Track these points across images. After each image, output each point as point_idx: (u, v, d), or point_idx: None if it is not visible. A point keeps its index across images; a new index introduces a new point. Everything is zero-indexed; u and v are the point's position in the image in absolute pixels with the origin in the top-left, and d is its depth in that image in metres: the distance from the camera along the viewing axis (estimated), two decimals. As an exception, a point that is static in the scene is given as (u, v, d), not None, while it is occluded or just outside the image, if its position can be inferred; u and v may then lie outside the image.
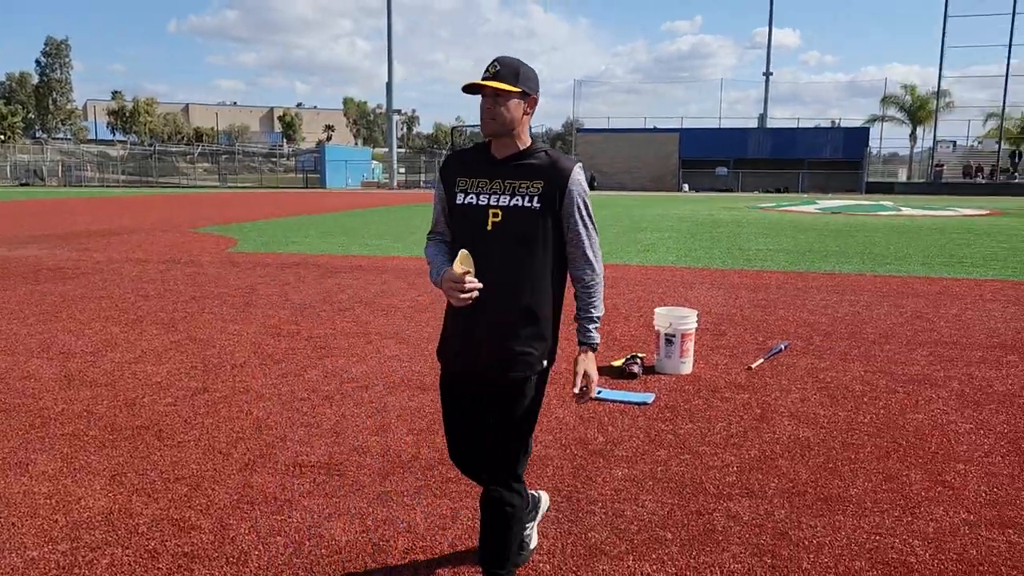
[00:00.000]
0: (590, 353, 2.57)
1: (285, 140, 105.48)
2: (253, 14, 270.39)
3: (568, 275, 2.62)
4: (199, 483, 3.73)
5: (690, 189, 53.51)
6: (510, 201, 2.48)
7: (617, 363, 5.76)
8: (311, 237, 16.29)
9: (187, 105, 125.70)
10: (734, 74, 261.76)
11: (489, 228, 2.49)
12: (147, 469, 3.88)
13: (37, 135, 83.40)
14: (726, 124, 63.40)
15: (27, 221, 21.16)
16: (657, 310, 5.89)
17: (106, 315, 7.74)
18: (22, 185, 61.53)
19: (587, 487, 3.70)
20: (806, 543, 3.18)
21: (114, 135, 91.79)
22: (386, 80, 58.21)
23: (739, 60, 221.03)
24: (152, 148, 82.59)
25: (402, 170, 64.38)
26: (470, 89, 2.43)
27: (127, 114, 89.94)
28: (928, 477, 3.84)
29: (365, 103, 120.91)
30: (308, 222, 20.84)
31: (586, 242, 2.55)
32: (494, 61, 2.44)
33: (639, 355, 5.79)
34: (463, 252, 2.41)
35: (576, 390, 2.53)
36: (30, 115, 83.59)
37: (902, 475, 3.86)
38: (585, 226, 2.54)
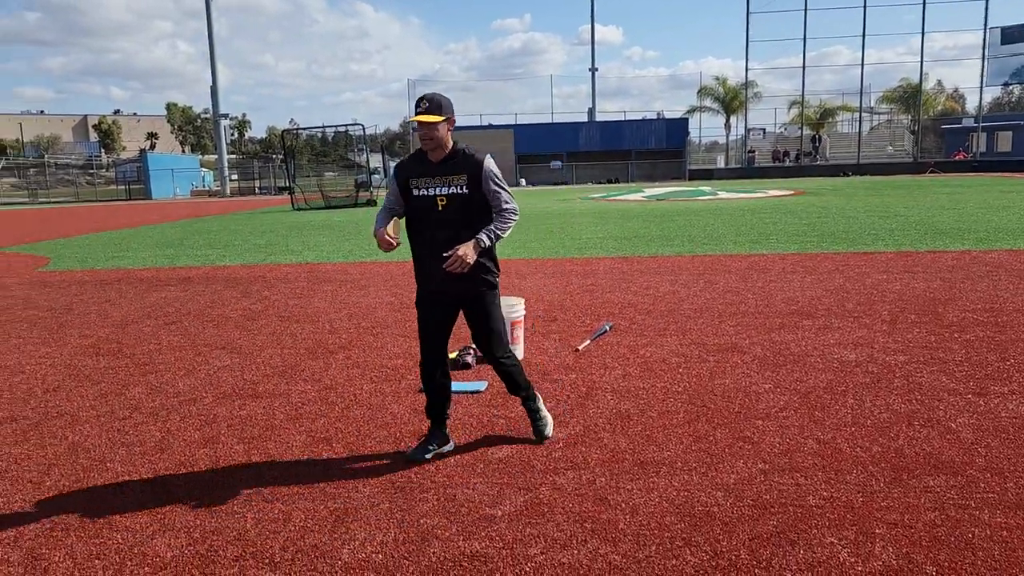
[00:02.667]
0: (471, 243, 3.70)
1: (103, 150, 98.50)
2: (58, 16, 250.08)
3: None
4: (5, 516, 3.50)
5: (527, 184, 54.76)
6: (449, 190, 3.77)
7: (452, 355, 5.88)
8: (134, 251, 15.39)
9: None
10: (564, 70, 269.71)
11: (440, 209, 3.79)
12: (-55, 508, 3.61)
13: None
14: (559, 119, 65.18)
15: None
16: (486, 301, 6.06)
17: None
18: None
19: (420, 476, 3.79)
20: (623, 505, 3.42)
21: None
22: (211, 84, 55.70)
23: (568, 56, 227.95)
24: (-56, 164, 74.66)
25: (235, 177, 61.70)
26: (413, 120, 3.65)
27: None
28: (731, 434, 4.21)
29: (191, 108, 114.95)
30: (131, 235, 19.65)
31: (500, 198, 3.82)
32: (422, 99, 3.68)
33: (472, 346, 5.94)
34: (397, 220, 3.90)
35: (446, 254, 3.70)
36: None
37: (709, 435, 4.22)
38: (498, 189, 3.81)
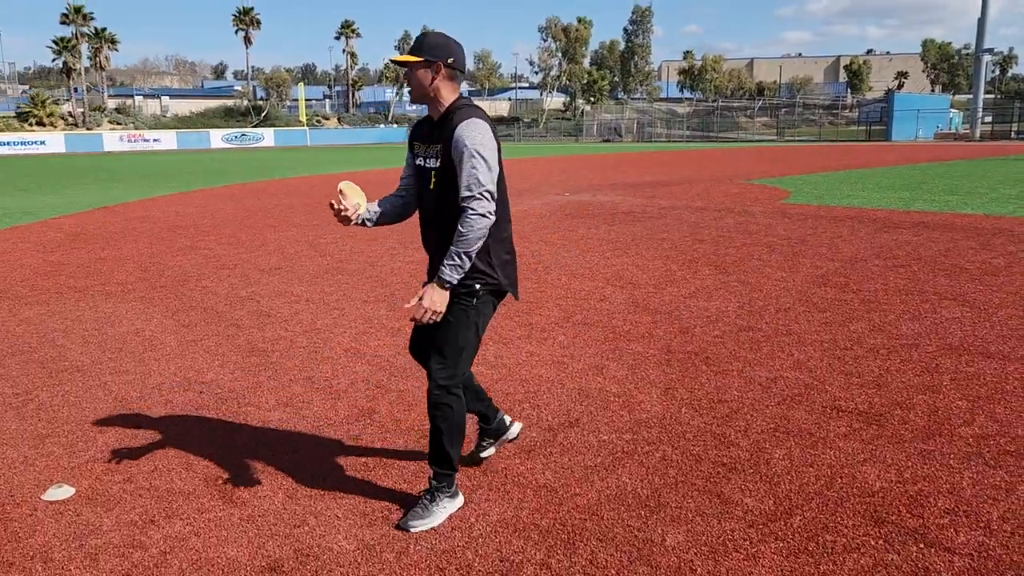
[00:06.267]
0: (435, 286, 2.78)
1: (849, 90, 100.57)
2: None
3: (501, 214, 2.86)
4: (739, 408, 4.02)
5: None
6: (435, 163, 2.86)
7: None
8: (868, 191, 15.49)
9: (751, 60, 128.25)
10: None
11: (431, 187, 2.90)
12: (695, 388, 4.33)
13: (619, 96, 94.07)
14: None
15: (607, 172, 24.31)
16: None
17: (666, 254, 8.61)
18: (604, 141, 70.55)
19: None
20: None
21: (682, 93, 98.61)
22: (978, 16, 51.11)
23: None
24: (715, 104, 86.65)
25: (987, 119, 56.24)
26: (395, 63, 2.94)
27: (695, 72, 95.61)
28: None
29: (949, 44, 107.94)
30: (867, 175, 19.81)
31: (464, 180, 2.72)
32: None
33: None
34: (346, 183, 3.02)
35: (407, 305, 2.89)
36: (615, 78, 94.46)
37: None
38: (466, 166, 2.72)
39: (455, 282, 2.78)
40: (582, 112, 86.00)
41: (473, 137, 2.72)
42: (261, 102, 79.42)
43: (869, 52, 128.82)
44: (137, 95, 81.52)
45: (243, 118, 74.79)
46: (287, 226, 11.81)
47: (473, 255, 2.75)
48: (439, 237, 2.90)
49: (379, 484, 3.26)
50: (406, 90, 3.25)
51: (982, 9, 50.46)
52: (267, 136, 68.20)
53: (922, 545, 2.71)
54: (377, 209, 3.09)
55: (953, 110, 64.21)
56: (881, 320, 5.64)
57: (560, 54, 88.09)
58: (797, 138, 63.34)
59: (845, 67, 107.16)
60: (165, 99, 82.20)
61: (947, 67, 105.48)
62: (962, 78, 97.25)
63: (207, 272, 8.14)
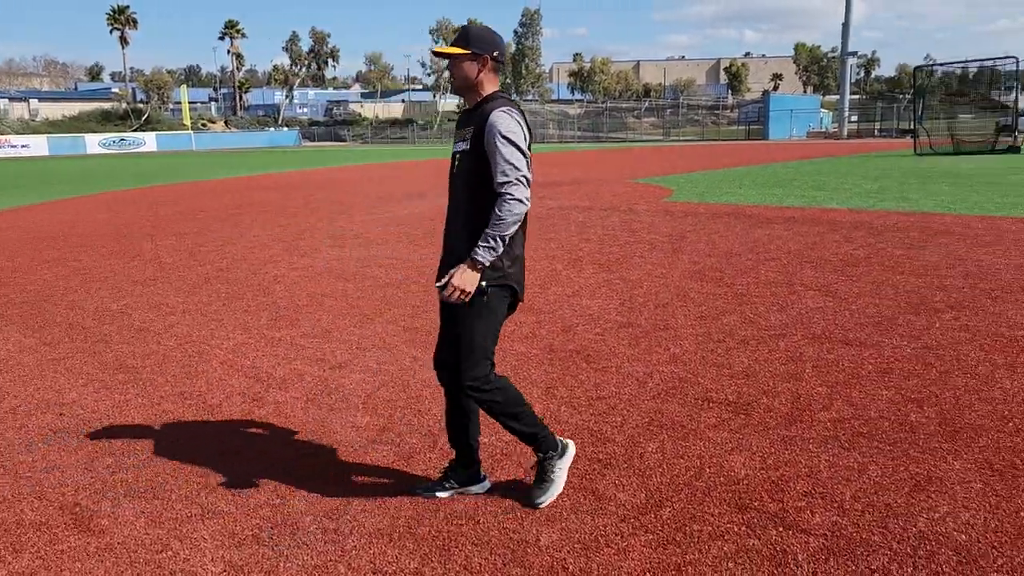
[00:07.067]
0: (465, 265, 2.80)
1: (730, 92, 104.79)
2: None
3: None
4: (616, 404, 4.11)
5: None
6: (464, 146, 2.90)
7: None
8: (745, 188, 16.16)
9: (638, 63, 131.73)
10: None
11: (455, 171, 2.97)
12: (575, 386, 4.40)
13: (512, 98, 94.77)
14: None
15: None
16: None
17: (552, 254, 8.73)
18: (499, 143, 70.78)
19: (1028, 466, 3.25)
20: None
21: (573, 95, 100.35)
22: (842, 21, 54.16)
23: None
24: (604, 105, 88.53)
25: (854, 118, 59.64)
26: (437, 55, 2.97)
27: (585, 74, 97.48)
28: None
29: (818, 48, 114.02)
30: (744, 173, 20.65)
31: (497, 167, 2.77)
32: (459, 29, 2.96)
33: None
34: None
35: (438, 284, 2.89)
36: (507, 80, 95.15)
37: None
38: (499, 153, 2.76)
39: (487, 263, 2.79)
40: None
41: (507, 125, 2.78)
42: (141, 105, 75.87)
43: (747, 55, 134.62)
44: (2, 98, 76.44)
45: (122, 122, 71.21)
46: (166, 235, 11.32)
47: (507, 239, 2.79)
48: (463, 223, 2.91)
49: (250, 501, 3.16)
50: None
51: (845, 14, 53.49)
52: (149, 140, 65.23)
53: (781, 528, 2.83)
54: None
55: (823, 110, 67.76)
56: (752, 312, 5.89)
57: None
58: (682, 138, 65.44)
59: (725, 69, 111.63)
60: (34, 102, 77.45)
61: (817, 69, 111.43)
62: (831, 80, 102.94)
63: (74, 285, 7.70)
